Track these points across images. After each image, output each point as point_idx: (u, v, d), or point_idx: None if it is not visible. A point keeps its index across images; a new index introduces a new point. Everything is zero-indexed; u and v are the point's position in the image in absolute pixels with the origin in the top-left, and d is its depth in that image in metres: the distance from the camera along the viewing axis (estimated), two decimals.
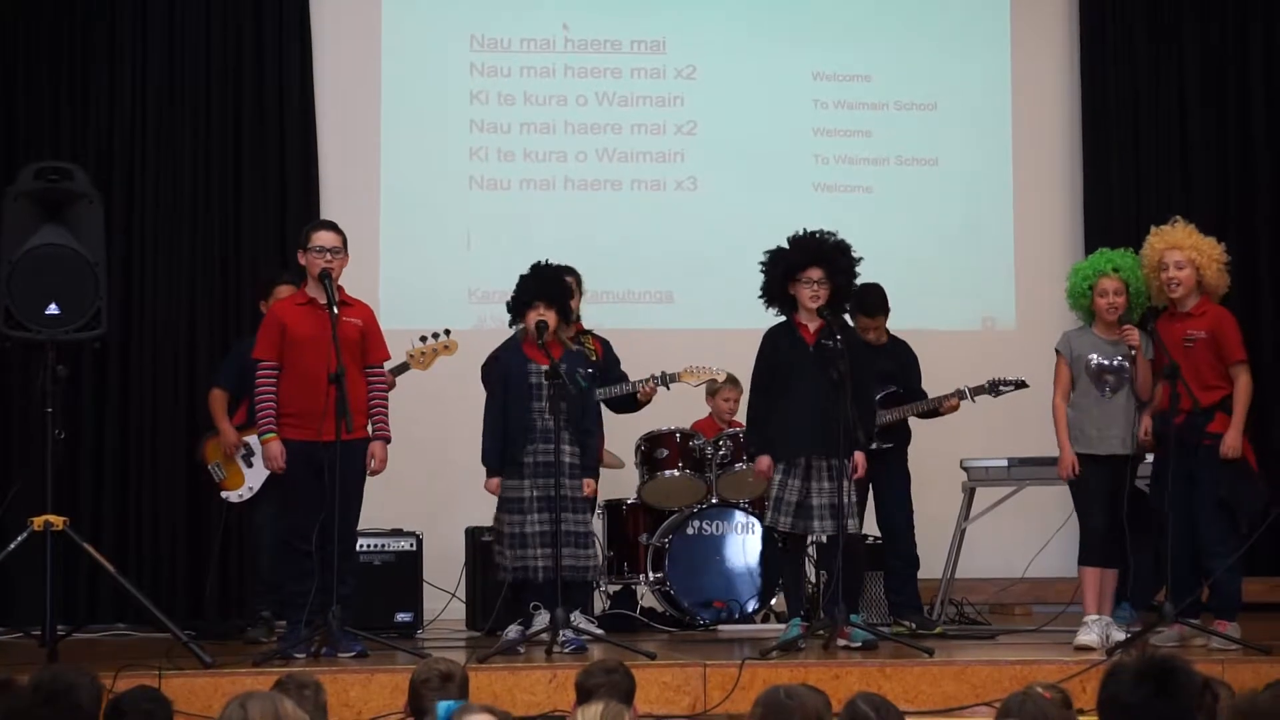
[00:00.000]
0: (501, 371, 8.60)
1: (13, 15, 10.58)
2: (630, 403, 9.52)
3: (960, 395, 9.47)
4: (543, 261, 8.63)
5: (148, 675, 6.76)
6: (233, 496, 9.39)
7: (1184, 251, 8.28)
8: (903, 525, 9.41)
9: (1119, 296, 8.33)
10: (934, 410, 9.50)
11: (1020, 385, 9.54)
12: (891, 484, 9.38)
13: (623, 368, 9.56)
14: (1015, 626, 9.81)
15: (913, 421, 9.54)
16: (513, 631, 8.50)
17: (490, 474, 8.50)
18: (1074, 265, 8.84)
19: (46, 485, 7.89)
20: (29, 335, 7.94)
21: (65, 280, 7.94)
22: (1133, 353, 8.25)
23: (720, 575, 9.65)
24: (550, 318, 8.42)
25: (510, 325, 8.68)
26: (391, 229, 11.14)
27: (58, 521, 7.80)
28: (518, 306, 8.50)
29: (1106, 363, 8.32)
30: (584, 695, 5.39)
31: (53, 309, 7.92)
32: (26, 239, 7.93)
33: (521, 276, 8.56)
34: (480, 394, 8.88)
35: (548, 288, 8.51)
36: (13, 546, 7.84)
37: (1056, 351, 8.52)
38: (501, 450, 8.45)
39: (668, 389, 9.50)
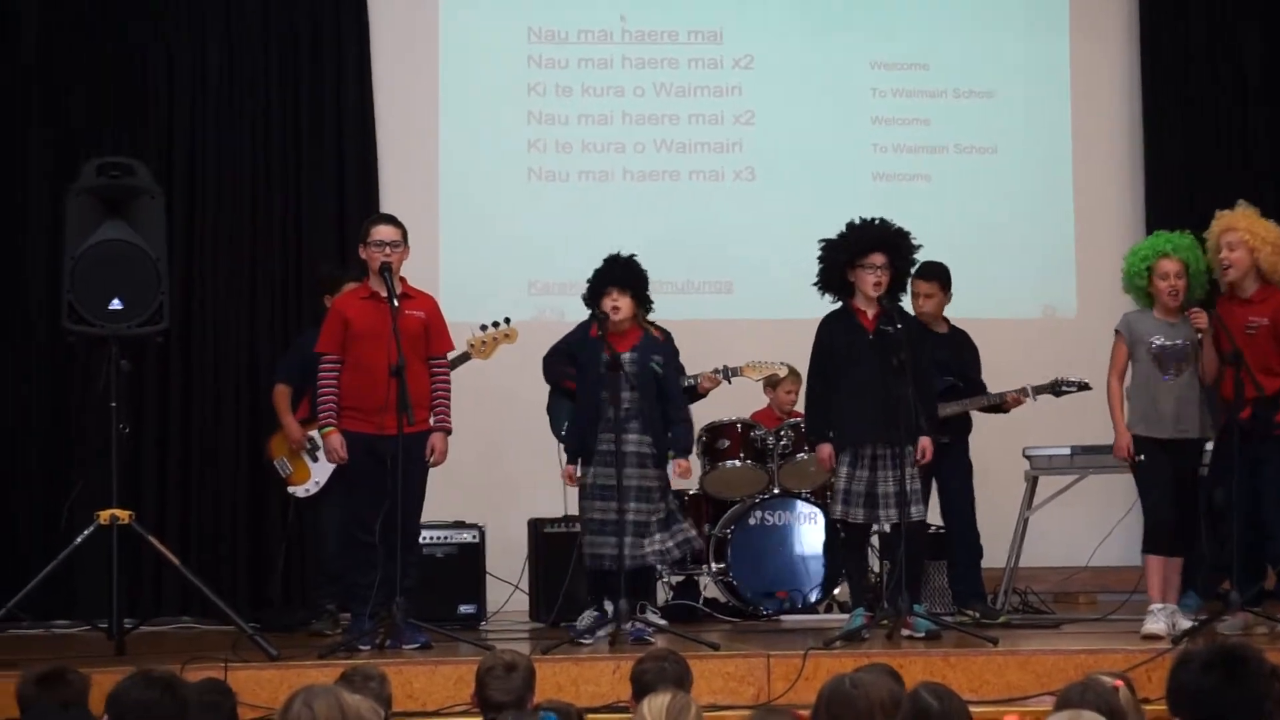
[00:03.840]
0: (581, 357, 8.55)
1: (71, 12, 10.61)
2: (690, 395, 9.47)
3: (1023, 393, 9.40)
4: (620, 254, 8.54)
5: (214, 668, 6.79)
6: (299, 491, 9.44)
7: (1238, 233, 8.21)
8: (966, 515, 9.38)
9: (1180, 280, 8.27)
10: (998, 406, 9.44)
11: (1083, 387, 9.39)
12: (954, 474, 9.33)
13: (682, 358, 9.53)
14: (1079, 615, 9.76)
15: (974, 412, 9.50)
16: (586, 618, 8.44)
17: (571, 459, 8.48)
18: (1131, 248, 8.77)
19: (112, 479, 7.96)
20: (92, 330, 8.00)
21: (128, 275, 8.00)
22: (1199, 336, 8.20)
23: (783, 565, 9.65)
24: (625, 304, 8.37)
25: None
26: (451, 221, 11.12)
27: (123, 515, 7.87)
28: (592, 294, 8.46)
29: (1169, 344, 8.26)
30: (637, 684, 5.42)
31: (115, 304, 7.98)
32: (89, 235, 8.00)
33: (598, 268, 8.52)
34: (542, 384, 8.89)
35: (619, 272, 8.44)
36: (79, 540, 7.91)
37: (1116, 332, 8.45)
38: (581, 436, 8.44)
39: (729, 383, 9.47)
